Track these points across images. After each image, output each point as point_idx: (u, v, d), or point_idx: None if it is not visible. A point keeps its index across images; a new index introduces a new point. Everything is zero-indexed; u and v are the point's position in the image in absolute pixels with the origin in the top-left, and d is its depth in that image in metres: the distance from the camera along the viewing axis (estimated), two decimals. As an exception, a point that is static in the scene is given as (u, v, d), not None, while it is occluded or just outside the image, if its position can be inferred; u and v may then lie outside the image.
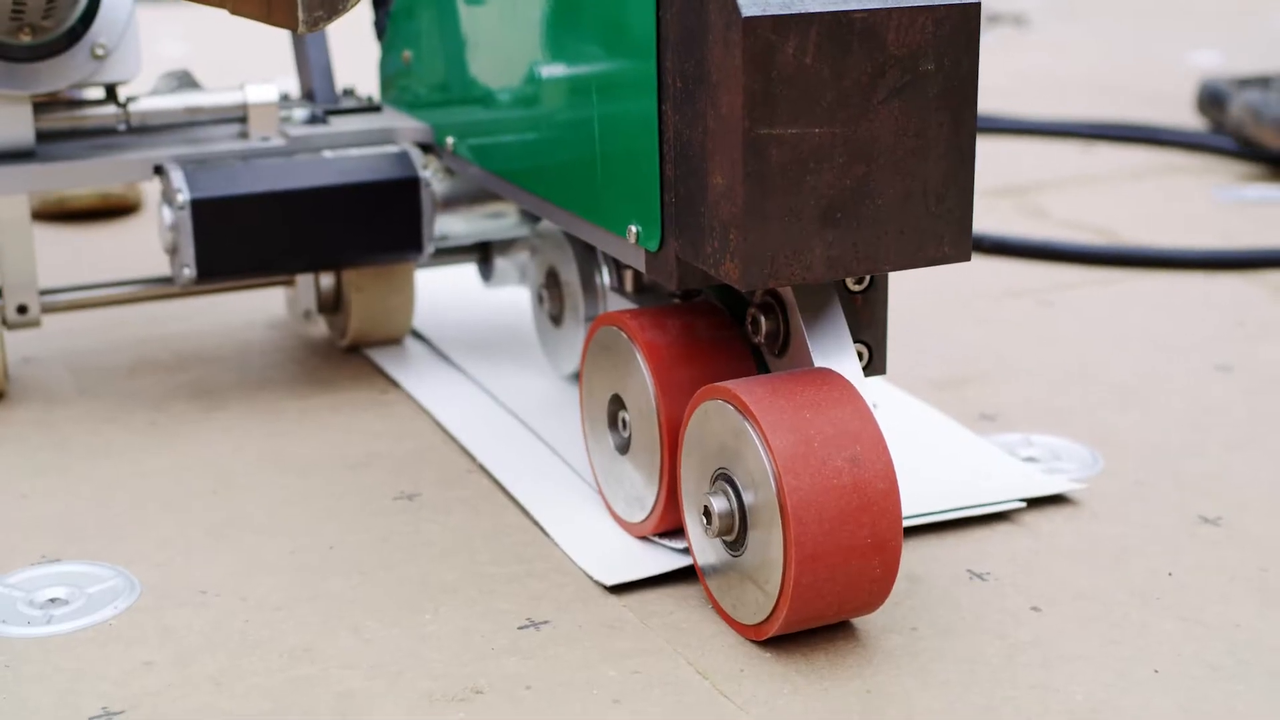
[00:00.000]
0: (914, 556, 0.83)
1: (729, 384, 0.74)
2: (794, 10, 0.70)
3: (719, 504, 0.74)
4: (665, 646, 0.75)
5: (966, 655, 0.74)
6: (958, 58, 0.73)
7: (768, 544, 0.72)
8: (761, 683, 0.71)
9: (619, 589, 0.80)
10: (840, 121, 0.72)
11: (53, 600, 0.81)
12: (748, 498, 0.73)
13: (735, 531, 0.74)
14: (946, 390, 1.09)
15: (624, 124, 0.80)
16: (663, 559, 0.82)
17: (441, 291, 1.31)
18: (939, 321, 1.26)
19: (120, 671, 0.73)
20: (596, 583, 0.81)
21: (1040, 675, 0.72)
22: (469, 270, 1.32)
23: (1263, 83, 1.87)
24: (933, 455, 0.95)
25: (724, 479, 0.75)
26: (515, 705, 0.70)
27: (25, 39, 1.00)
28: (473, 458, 0.97)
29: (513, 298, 1.29)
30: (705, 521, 0.75)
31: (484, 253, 1.20)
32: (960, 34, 0.73)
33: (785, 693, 0.71)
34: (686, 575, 0.81)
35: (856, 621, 0.77)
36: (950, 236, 0.76)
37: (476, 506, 0.90)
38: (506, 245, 1.19)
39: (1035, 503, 0.90)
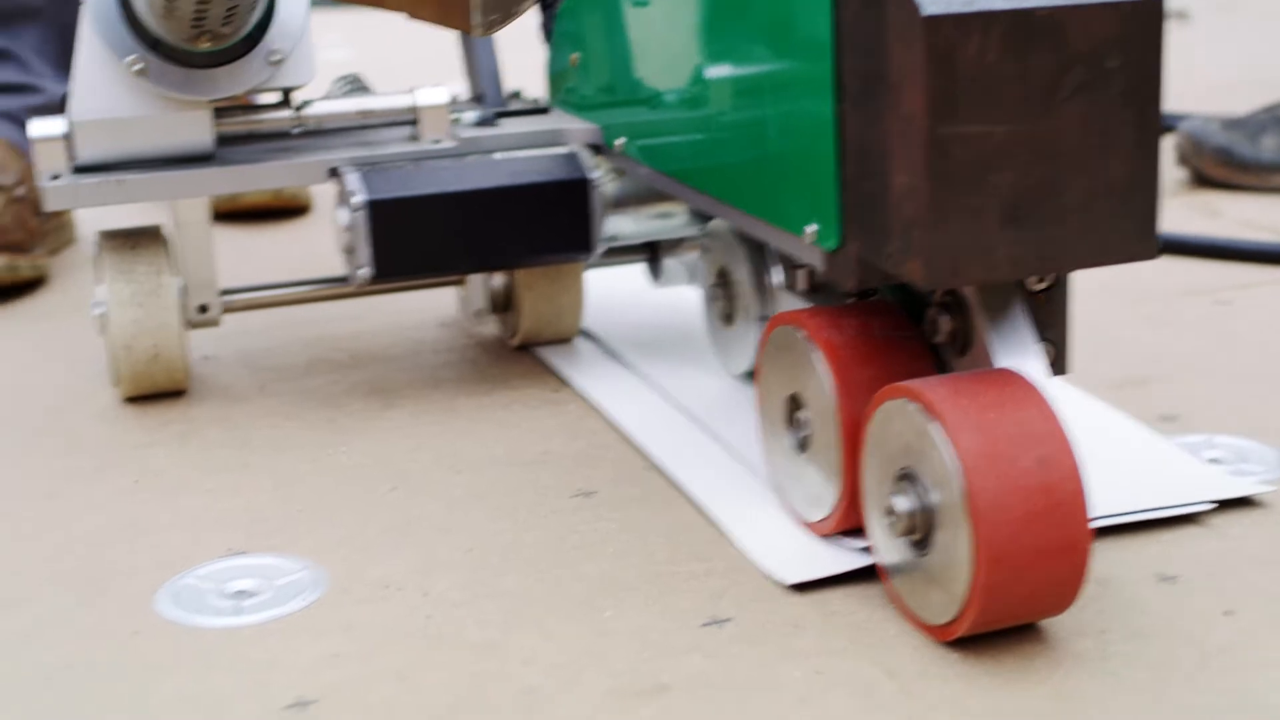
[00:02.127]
0: (1101, 559, 0.82)
1: (912, 383, 0.74)
2: (976, 8, 0.69)
3: (903, 504, 0.74)
4: (849, 646, 0.74)
5: (1159, 660, 0.72)
6: (1142, 53, 0.72)
7: (954, 544, 0.71)
8: (949, 683, 0.71)
9: (799, 587, 0.80)
10: (1024, 119, 0.71)
11: (241, 592, 0.82)
12: (933, 498, 0.72)
13: (919, 531, 0.74)
14: (1126, 390, 1.07)
15: (801, 124, 0.80)
16: (843, 558, 0.82)
17: (610, 291, 1.32)
18: (1115, 321, 1.24)
19: (310, 662, 0.75)
20: (776, 581, 0.80)
21: (1235, 681, 0.71)
22: (637, 270, 1.33)
23: None
24: (1116, 456, 0.93)
25: (908, 479, 0.74)
26: (701, 703, 0.70)
27: (205, 46, 1.02)
28: (647, 456, 0.97)
29: (679, 297, 1.29)
30: (888, 521, 0.75)
31: (653, 252, 1.21)
32: (1144, 29, 0.72)
33: (973, 693, 0.70)
34: (867, 574, 0.81)
35: (1044, 624, 0.75)
36: (1135, 234, 0.74)
37: (653, 505, 0.91)
38: (675, 245, 1.19)
39: (1222, 505, 0.88)
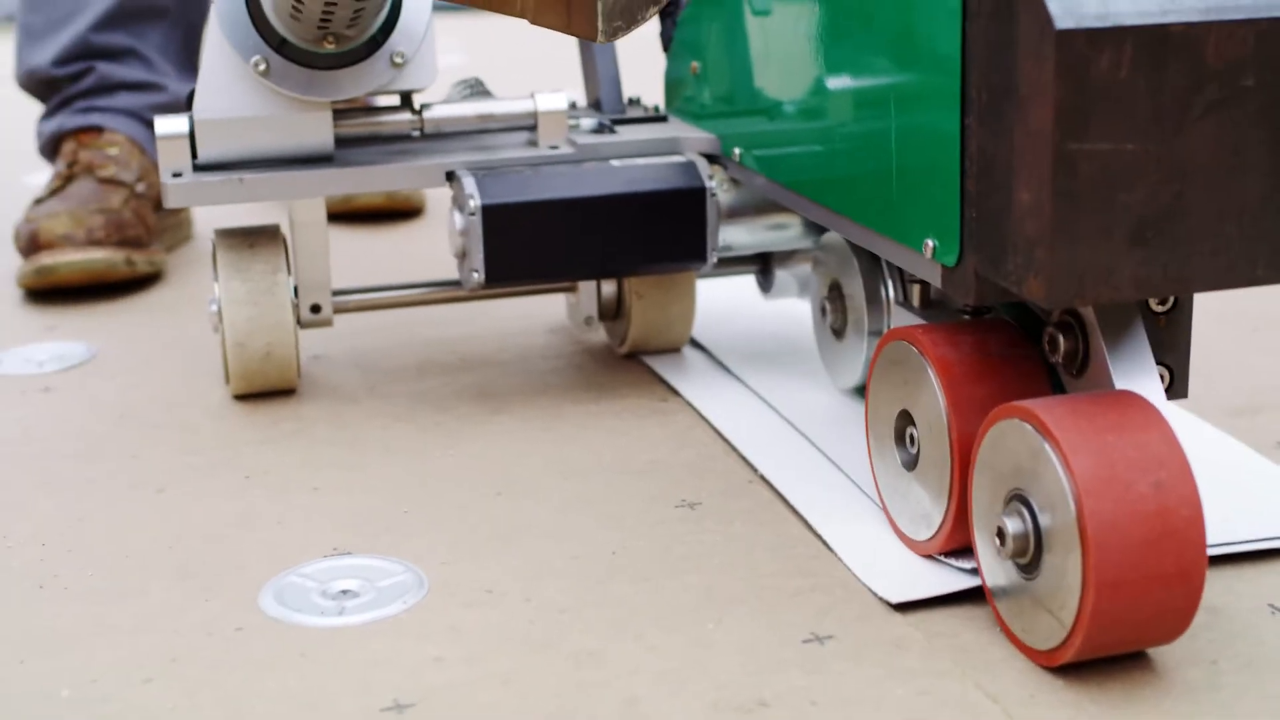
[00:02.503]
0: (1212, 588, 0.80)
1: (1027, 403, 0.73)
2: (1109, 23, 0.68)
3: (1014, 525, 0.73)
4: (953, 668, 0.73)
5: (1272, 693, 0.71)
6: (1278, 72, 0.70)
7: (1064, 568, 0.70)
8: (1054, 710, 0.70)
9: (904, 607, 0.79)
10: (1154, 138, 0.69)
11: (345, 592, 0.83)
12: (1044, 520, 0.71)
13: (1029, 554, 0.72)
14: (1242, 418, 1.05)
15: (924, 137, 0.79)
16: (949, 578, 0.81)
17: (719, 302, 1.32)
18: (1230, 347, 1.22)
19: (411, 665, 0.75)
20: (881, 600, 0.80)
21: (1352, 718, 0.69)
22: (746, 281, 1.32)
23: None
24: (1229, 484, 0.92)
25: (1019, 500, 0.73)
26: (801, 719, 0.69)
27: (329, 47, 1.03)
28: (754, 468, 0.97)
29: (789, 309, 1.28)
30: (998, 543, 0.74)
31: (764, 264, 1.20)
32: (1284, 47, 0.70)
33: (1079, 722, 0.69)
34: (972, 596, 0.80)
35: (1153, 653, 0.74)
36: (1265, 258, 0.73)
37: (759, 518, 0.90)
38: (787, 257, 1.18)
39: (1340, 537, 0.86)
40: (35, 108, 1.66)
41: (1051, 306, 0.70)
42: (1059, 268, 0.70)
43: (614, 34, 1.01)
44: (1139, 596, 0.69)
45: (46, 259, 1.40)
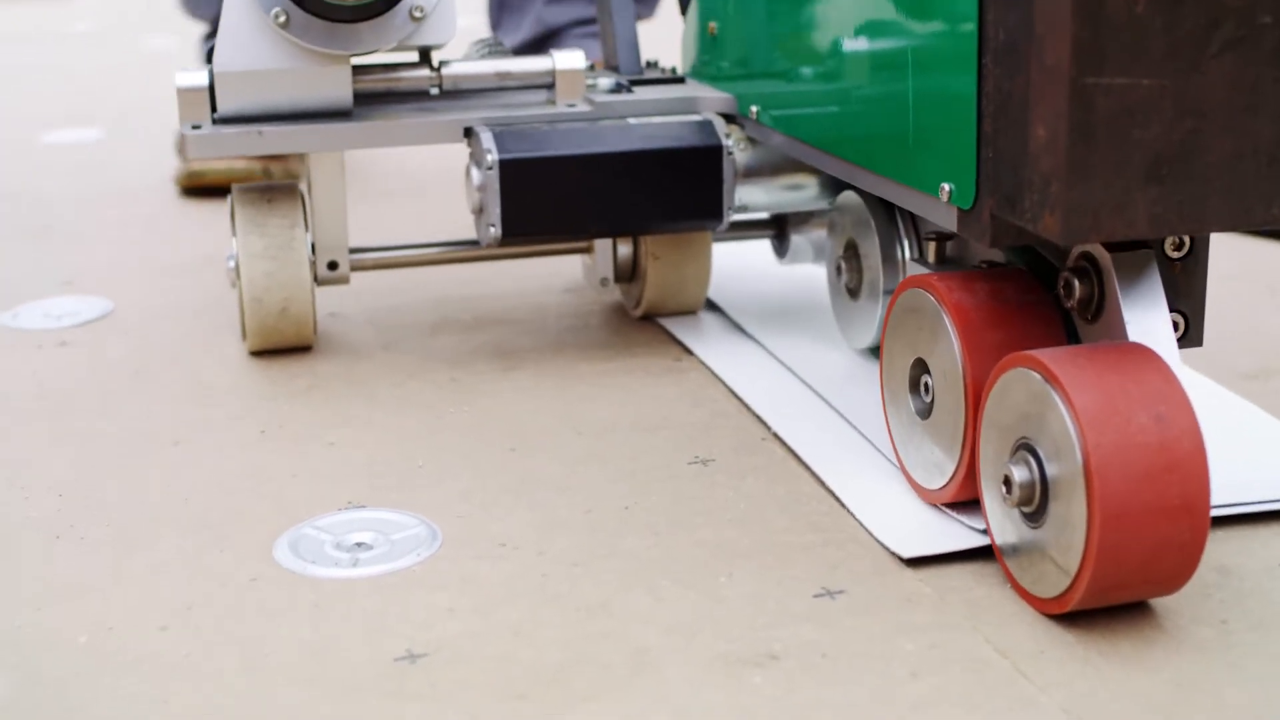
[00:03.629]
0: (1225, 548, 0.80)
1: (1035, 353, 0.73)
2: None
3: (1020, 473, 0.73)
4: (963, 622, 0.73)
5: (1282, 652, 0.71)
6: (1299, 10, 0.70)
7: (1070, 509, 0.70)
8: (1063, 665, 0.70)
9: (915, 562, 0.79)
10: (1170, 74, 0.69)
11: (359, 544, 0.83)
12: (1050, 468, 0.71)
13: (1035, 502, 0.73)
14: (1258, 381, 1.05)
15: (942, 79, 0.79)
16: (962, 535, 0.81)
17: (735, 264, 1.32)
18: (1246, 309, 1.21)
19: (423, 616, 0.75)
20: (893, 555, 0.80)
21: (1362, 676, 0.69)
22: (762, 245, 1.32)
23: None
24: (1242, 445, 0.92)
25: (1025, 449, 0.73)
26: (811, 672, 0.69)
27: (349, 0, 1.03)
28: (767, 426, 0.97)
29: (805, 272, 1.28)
30: (1005, 491, 0.74)
31: (779, 228, 1.20)
32: (1303, -14, 0.70)
33: (1088, 676, 0.69)
34: (985, 553, 0.80)
35: (1163, 612, 0.74)
36: None
37: (771, 474, 0.90)
38: (802, 221, 1.18)
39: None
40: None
41: (1067, 243, 0.70)
42: (1074, 204, 0.70)
43: None
44: (1145, 529, 0.69)
45: (197, 164, 1.67)
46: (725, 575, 0.78)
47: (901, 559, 0.79)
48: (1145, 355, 0.72)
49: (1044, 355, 0.72)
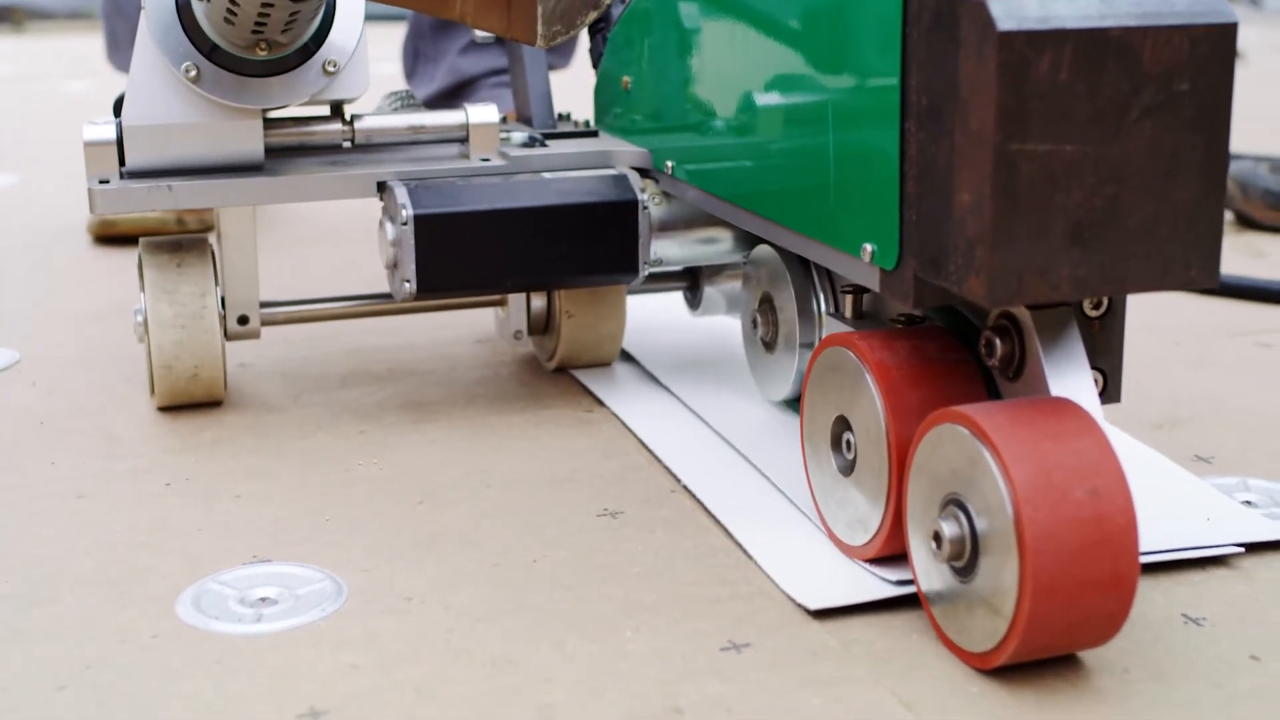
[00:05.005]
0: (1128, 599, 0.81)
1: (965, 408, 0.73)
2: (1050, 26, 0.68)
3: (950, 529, 0.73)
4: (867, 676, 0.73)
5: (1181, 702, 0.71)
6: (1213, 78, 0.71)
7: (1000, 573, 0.70)
8: (966, 718, 0.70)
9: (822, 614, 0.79)
10: (1093, 140, 0.70)
11: (263, 599, 0.82)
12: (980, 524, 0.72)
13: (965, 558, 0.73)
14: (1162, 430, 1.06)
15: (863, 143, 0.79)
16: (867, 586, 0.81)
17: (650, 314, 1.32)
18: (1154, 360, 1.23)
19: (326, 672, 0.74)
20: (800, 607, 0.80)
21: (1262, 728, 0.70)
22: (676, 296, 1.33)
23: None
24: (1148, 494, 0.92)
25: (955, 504, 0.73)
26: (718, 727, 0.69)
27: (261, 54, 1.02)
28: (676, 478, 0.97)
29: (719, 323, 1.29)
30: (935, 546, 0.74)
31: (692, 280, 1.21)
32: (1216, 54, 0.71)
33: (994, 730, 0.69)
34: (891, 604, 0.80)
35: (1066, 661, 0.74)
36: (1198, 261, 0.74)
37: (680, 527, 0.90)
38: (715, 274, 1.18)
39: (1253, 548, 0.87)
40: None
41: (992, 306, 0.71)
42: (999, 267, 0.70)
43: (553, 38, 1.02)
44: (1074, 602, 0.70)
45: (110, 214, 1.61)
46: (632, 629, 0.78)
47: (808, 611, 0.79)
48: (1078, 418, 0.72)
49: (977, 414, 0.72)
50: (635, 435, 1.05)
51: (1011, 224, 0.70)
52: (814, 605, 0.79)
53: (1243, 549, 0.86)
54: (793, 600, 0.80)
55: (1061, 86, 0.69)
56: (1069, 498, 0.69)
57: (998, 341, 0.79)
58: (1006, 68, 0.68)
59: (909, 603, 0.80)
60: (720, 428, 1.04)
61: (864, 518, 0.83)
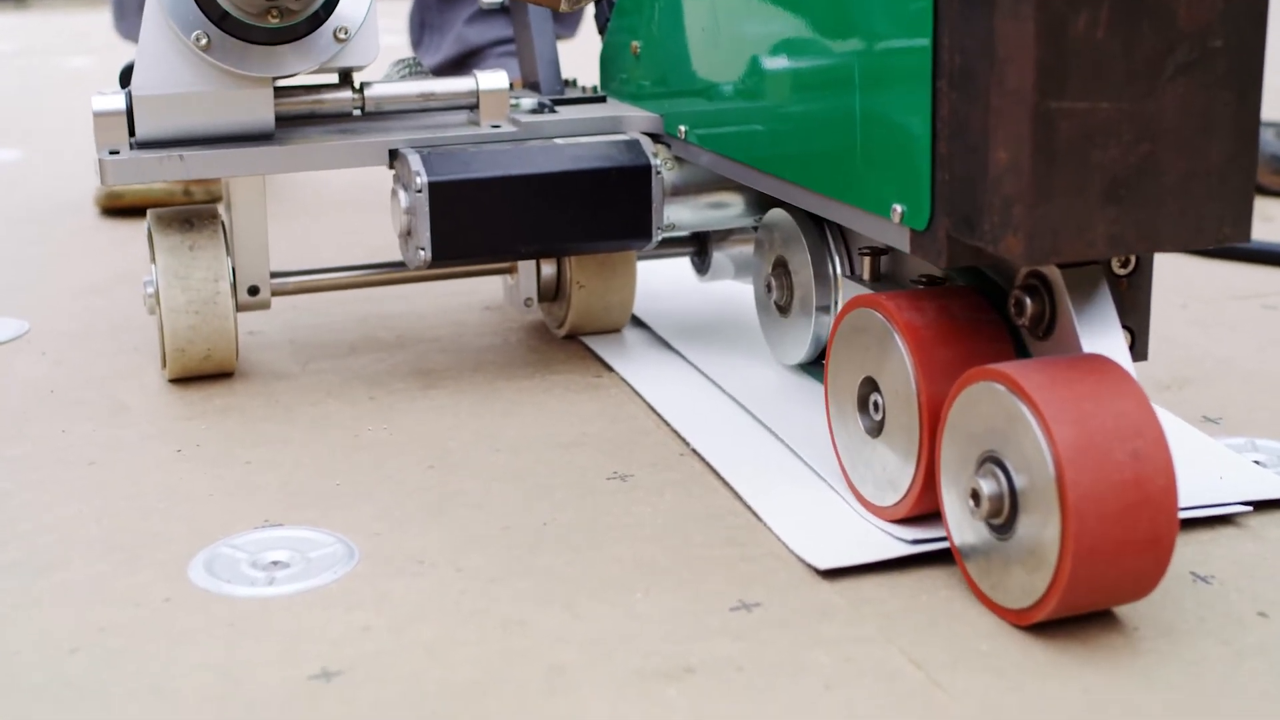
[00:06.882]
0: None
1: (1002, 366, 0.73)
2: None
3: (989, 486, 0.73)
4: (877, 635, 0.74)
5: (1191, 659, 0.71)
6: (1246, 35, 0.71)
7: (1041, 533, 0.71)
8: (976, 675, 0.70)
9: (831, 574, 0.80)
10: (1129, 97, 0.70)
11: (275, 563, 0.82)
12: (1020, 482, 0.72)
13: (1004, 515, 0.73)
14: (1171, 391, 1.06)
15: (893, 104, 0.79)
16: (877, 546, 0.81)
17: (661, 279, 1.32)
18: (1162, 322, 1.23)
19: (338, 634, 0.75)
20: (809, 567, 0.80)
21: (1268, 683, 0.69)
22: (684, 262, 1.33)
23: None
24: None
25: (993, 461, 0.74)
26: (726, 685, 0.69)
27: (273, 21, 1.02)
28: (686, 441, 0.97)
29: (728, 287, 1.29)
30: (973, 504, 0.74)
31: (700, 246, 1.20)
32: (1250, 11, 0.71)
33: (1001, 687, 0.69)
34: (901, 563, 0.80)
35: (1076, 620, 0.75)
36: (1230, 217, 0.74)
37: (689, 489, 0.90)
38: (723, 238, 1.18)
39: (1262, 507, 0.87)
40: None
41: (1028, 264, 0.71)
42: (1036, 225, 0.70)
43: (576, 2, 1.02)
44: (1114, 562, 0.70)
45: (117, 185, 1.62)
46: (642, 591, 0.78)
47: (818, 571, 0.80)
48: (1118, 377, 0.72)
49: (1015, 371, 0.72)
50: (644, 399, 1.05)
51: (1050, 182, 0.70)
52: (823, 565, 0.79)
53: (1250, 508, 0.86)
54: (802, 560, 0.81)
55: (1098, 44, 0.69)
56: (1110, 459, 0.70)
57: (1028, 300, 0.79)
58: (1045, 26, 0.68)
59: (919, 562, 0.80)
60: (730, 390, 1.04)
61: (894, 478, 0.83)
